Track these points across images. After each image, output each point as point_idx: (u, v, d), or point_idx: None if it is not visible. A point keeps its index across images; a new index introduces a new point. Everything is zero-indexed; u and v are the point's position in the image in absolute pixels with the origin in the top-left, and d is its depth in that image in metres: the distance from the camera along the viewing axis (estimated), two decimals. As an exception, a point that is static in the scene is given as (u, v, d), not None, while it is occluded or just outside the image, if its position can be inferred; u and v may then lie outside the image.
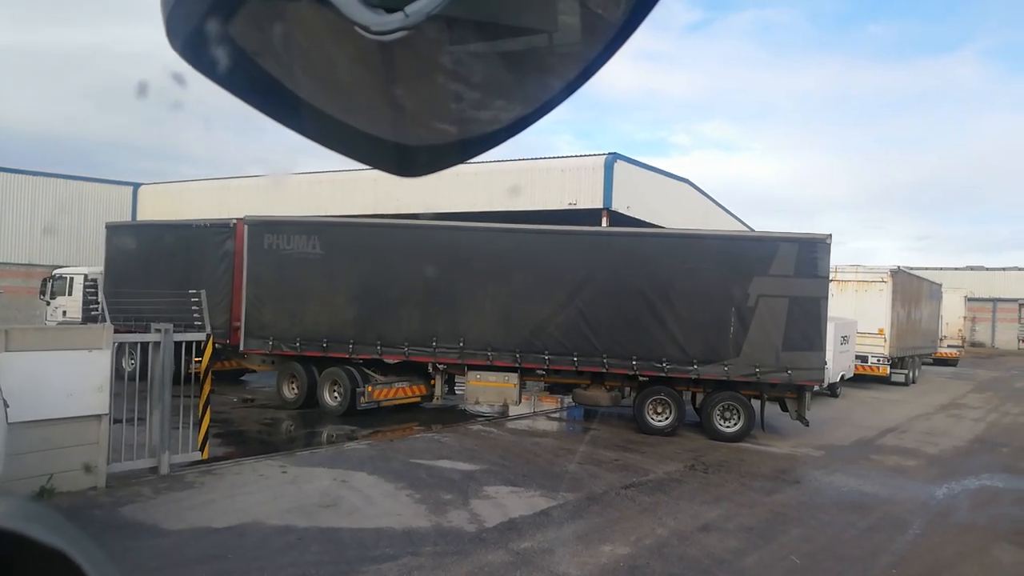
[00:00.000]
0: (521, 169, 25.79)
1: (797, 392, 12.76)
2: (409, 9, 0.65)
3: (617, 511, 8.21)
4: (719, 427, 12.66)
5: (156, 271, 15.56)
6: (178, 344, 9.04)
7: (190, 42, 0.66)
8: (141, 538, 6.52)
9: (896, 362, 23.02)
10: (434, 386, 14.00)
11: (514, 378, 13.12)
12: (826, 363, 12.85)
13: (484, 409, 14.24)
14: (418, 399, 14.25)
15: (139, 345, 9.26)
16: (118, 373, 8.55)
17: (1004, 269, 60.44)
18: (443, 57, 0.72)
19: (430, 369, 13.89)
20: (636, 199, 24.46)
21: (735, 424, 12.67)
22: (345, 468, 9.37)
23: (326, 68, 0.73)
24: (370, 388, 13.27)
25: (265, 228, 14.03)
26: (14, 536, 0.55)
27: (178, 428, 8.92)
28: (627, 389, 13.44)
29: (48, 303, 20.07)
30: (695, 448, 11.93)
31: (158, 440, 8.53)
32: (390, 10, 0.66)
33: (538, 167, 25.65)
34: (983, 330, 55.65)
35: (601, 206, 23.33)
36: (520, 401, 13.58)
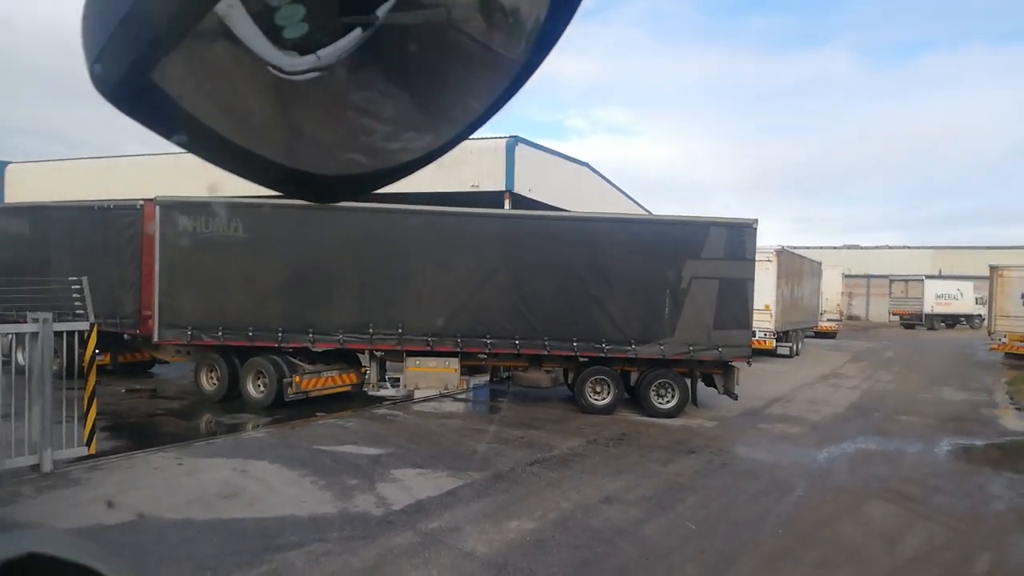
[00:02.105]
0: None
1: (724, 368, 13.39)
2: (321, 53, 0.70)
3: (523, 487, 8.37)
4: (656, 404, 13.09)
5: (53, 257, 14.25)
6: (70, 335, 8.51)
7: (117, 92, 0.67)
8: (23, 540, 6.12)
9: (781, 336, 24.43)
10: (365, 374, 13.63)
11: (455, 363, 12.99)
12: (751, 340, 13.62)
13: (390, 392, 14.10)
14: (348, 388, 13.79)
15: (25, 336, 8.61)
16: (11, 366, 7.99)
17: (877, 248, 65.25)
18: (353, 95, 0.77)
19: (363, 356, 13.54)
20: (537, 182, 24.71)
21: (670, 400, 13.14)
22: (245, 457, 9.11)
23: (245, 107, 0.76)
24: (297, 378, 12.65)
25: (180, 210, 12.90)
26: (45, 559, 0.60)
27: (62, 423, 8.40)
28: (566, 370, 13.68)
29: None
30: (596, 424, 12.28)
31: (39, 436, 8.00)
32: (303, 53, 0.70)
33: (440, 149, 25.46)
34: (859, 304, 59.88)
35: (503, 188, 23.46)
36: (459, 386, 13.48)
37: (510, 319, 12.91)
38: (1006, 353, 25.70)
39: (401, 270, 12.94)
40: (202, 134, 0.73)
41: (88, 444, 8.53)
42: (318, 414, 12.28)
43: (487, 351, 13.16)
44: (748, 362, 13.55)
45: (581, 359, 13.30)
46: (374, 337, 12.87)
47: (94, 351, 8.91)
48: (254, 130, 0.78)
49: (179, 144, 0.73)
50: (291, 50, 0.70)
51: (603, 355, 13.00)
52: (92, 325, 8.93)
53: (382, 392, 13.97)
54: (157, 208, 12.92)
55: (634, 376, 13.52)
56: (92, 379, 8.75)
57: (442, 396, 14.29)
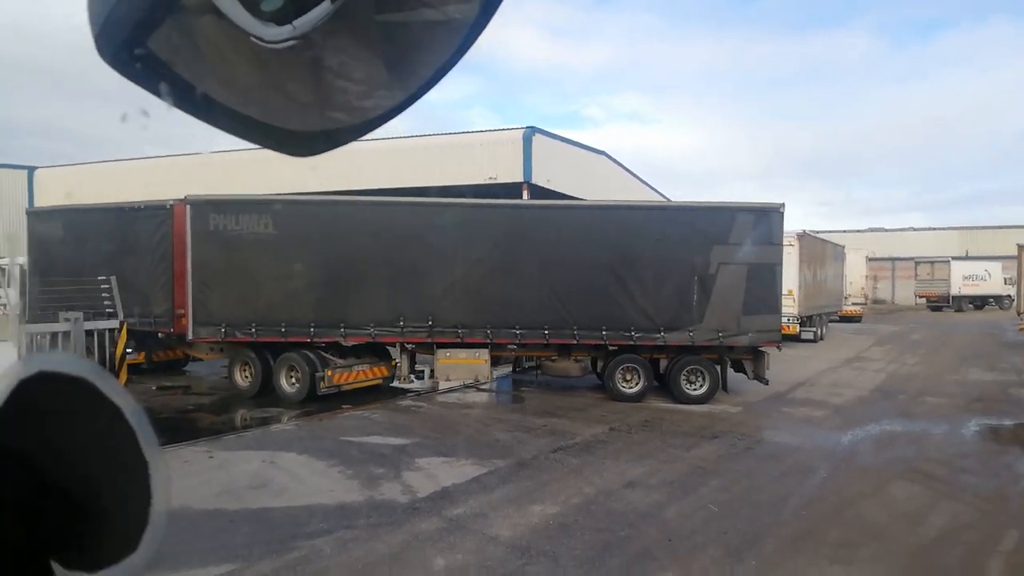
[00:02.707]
0: (441, 144, 25.70)
1: (754, 354, 13.38)
2: (297, 22, 0.80)
3: (546, 474, 8.47)
4: (686, 391, 13.11)
5: (87, 258, 14.32)
6: (101, 334, 8.75)
7: (117, 56, 0.78)
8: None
9: (805, 320, 24.25)
10: (395, 366, 13.74)
11: (485, 354, 13.08)
12: (780, 325, 13.61)
13: (415, 385, 14.23)
14: (379, 381, 13.91)
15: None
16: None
17: (901, 230, 64.35)
18: (328, 60, 0.88)
19: (393, 349, 13.63)
20: (555, 172, 24.75)
21: (701, 387, 13.15)
22: (273, 449, 9.31)
23: (230, 71, 0.87)
24: (330, 372, 12.76)
25: (211, 208, 12.98)
26: (46, 375, 0.69)
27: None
28: (594, 359, 13.74)
29: None
30: (619, 410, 12.34)
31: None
32: (280, 23, 0.80)
33: (458, 142, 25.62)
34: (884, 288, 59.13)
35: (521, 180, 23.52)
36: (490, 377, 13.59)
37: (539, 309, 12.94)
38: (1035, 333, 25.31)
39: (431, 263, 12.97)
40: (194, 95, 0.84)
41: (121, 439, 8.76)
42: (344, 406, 12.47)
43: (517, 342, 13.22)
44: (778, 347, 13.51)
45: (610, 347, 13.31)
46: (405, 330, 12.94)
47: (124, 348, 9.16)
48: (241, 92, 0.90)
49: (174, 104, 0.85)
50: (270, 21, 0.79)
51: (632, 343, 12.99)
52: (122, 323, 9.18)
53: (408, 384, 14.11)
54: (188, 207, 13.02)
55: (663, 363, 13.52)
56: (123, 376, 9.01)
57: (465, 387, 14.42)
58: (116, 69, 0.79)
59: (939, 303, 48.09)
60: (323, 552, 5.93)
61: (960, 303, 47.47)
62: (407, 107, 0.96)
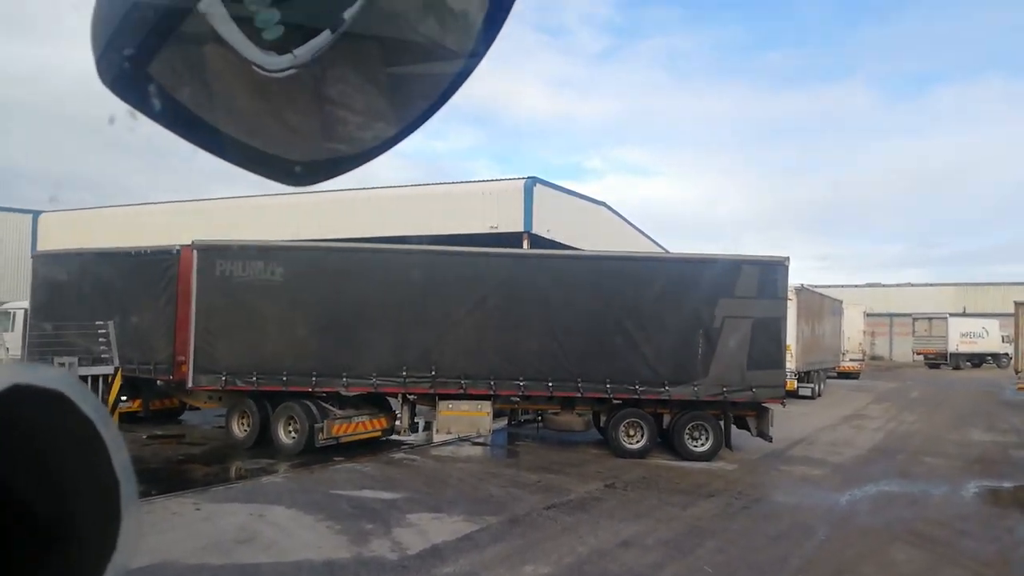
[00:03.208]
0: (445, 193, 25.96)
1: (757, 410, 13.24)
2: (297, 52, 0.82)
3: (539, 532, 8.32)
4: (690, 447, 12.91)
5: (90, 303, 14.10)
6: (96, 379, 8.69)
7: (118, 80, 0.80)
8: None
9: (802, 376, 24.12)
10: (396, 418, 13.50)
11: (487, 406, 12.89)
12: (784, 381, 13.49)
13: (409, 437, 14.04)
14: (379, 433, 13.61)
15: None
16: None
17: (899, 285, 64.55)
18: (328, 89, 0.89)
19: (396, 400, 13.42)
20: (556, 222, 24.96)
21: (704, 443, 12.97)
22: (262, 502, 9.15)
23: (231, 99, 0.88)
24: (329, 423, 12.48)
25: (217, 254, 12.86)
26: (20, 388, 0.68)
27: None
28: (597, 413, 13.59)
29: None
30: (615, 467, 12.18)
31: (61, 481, 8.11)
32: (281, 52, 0.81)
33: (459, 191, 25.88)
34: (882, 344, 59.08)
35: (522, 229, 23.71)
36: (491, 430, 13.38)
37: (543, 360, 12.82)
38: (1034, 392, 25.18)
39: (435, 312, 12.88)
40: (193, 122, 0.85)
41: (109, 489, 8.61)
42: (336, 459, 12.30)
43: (520, 393, 13.09)
44: (783, 403, 13.33)
45: (614, 401, 13.17)
46: (407, 380, 12.75)
47: (118, 396, 9.08)
48: (242, 121, 0.91)
49: (173, 131, 0.86)
50: (270, 50, 0.81)
51: (636, 396, 12.84)
52: (116, 369, 9.12)
53: (406, 437, 13.84)
54: (195, 252, 12.89)
55: (666, 418, 13.34)
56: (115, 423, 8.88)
57: (460, 440, 14.27)
58: (116, 93, 0.80)
59: (937, 360, 47.97)
60: (308, 611, 5.78)
61: (958, 360, 47.33)
62: (404, 138, 0.97)
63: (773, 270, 13.03)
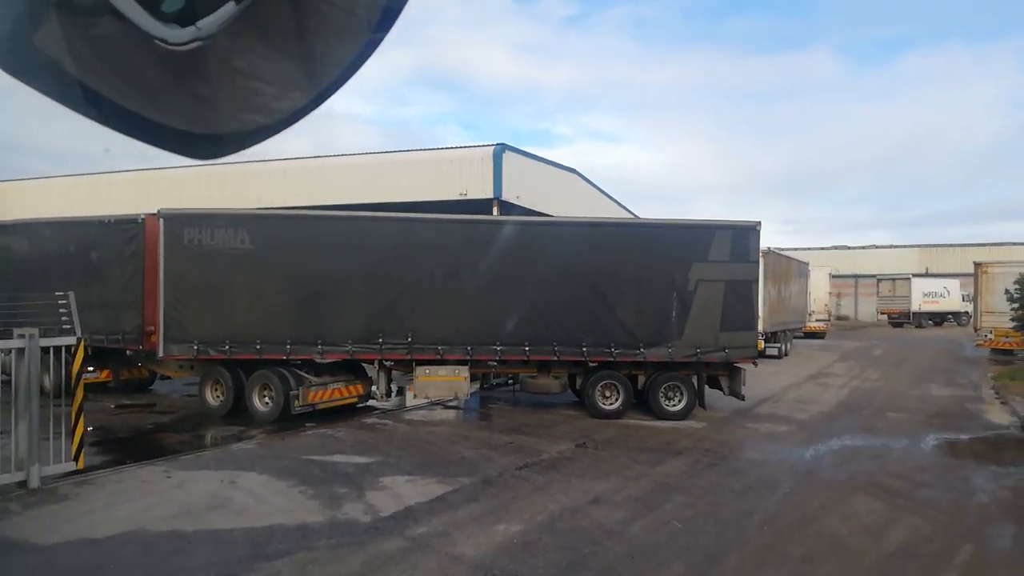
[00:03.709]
0: (413, 160, 25.71)
1: (729, 370, 13.50)
2: (201, 23, 0.80)
3: (511, 492, 8.42)
4: (665, 407, 13.14)
5: (53, 273, 13.84)
6: (59, 351, 8.51)
7: (2, 48, 0.77)
8: (10, 555, 6.15)
9: (770, 336, 24.55)
10: (372, 384, 13.47)
11: (464, 371, 12.91)
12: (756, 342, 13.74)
13: (383, 403, 14.00)
14: (355, 400, 13.58)
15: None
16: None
17: (864, 248, 65.72)
18: (237, 61, 0.87)
19: (372, 366, 13.39)
20: (525, 189, 24.87)
21: (679, 403, 13.21)
22: (233, 469, 9.12)
23: (132, 73, 0.85)
24: (305, 391, 12.42)
25: (185, 222, 12.62)
26: None
27: (48, 439, 8.40)
28: (573, 376, 13.73)
29: None
30: (586, 427, 12.34)
31: (26, 452, 8.00)
32: (184, 25, 0.79)
33: (428, 158, 25.65)
34: (847, 304, 60.27)
35: (491, 196, 23.60)
36: (469, 394, 13.44)
37: (519, 325, 12.86)
38: (992, 349, 25.95)
39: (410, 278, 12.84)
40: (85, 95, 0.82)
41: (76, 459, 8.54)
42: (307, 424, 12.28)
43: (497, 358, 13.17)
44: (754, 363, 13.64)
45: (590, 364, 13.32)
46: (384, 347, 12.73)
47: (81, 367, 8.91)
48: (143, 94, 0.88)
49: (67, 105, 0.82)
50: (173, 23, 0.79)
51: (612, 359, 13.03)
52: (79, 340, 8.93)
53: (383, 403, 13.80)
54: (161, 220, 12.66)
55: (641, 380, 13.55)
56: (79, 394, 8.76)
57: (432, 404, 14.31)
58: (2, 67, 0.77)
59: (900, 319, 49.11)
60: (282, 575, 5.81)
61: (920, 319, 48.53)
62: (318, 105, 0.96)
63: (745, 234, 13.20)
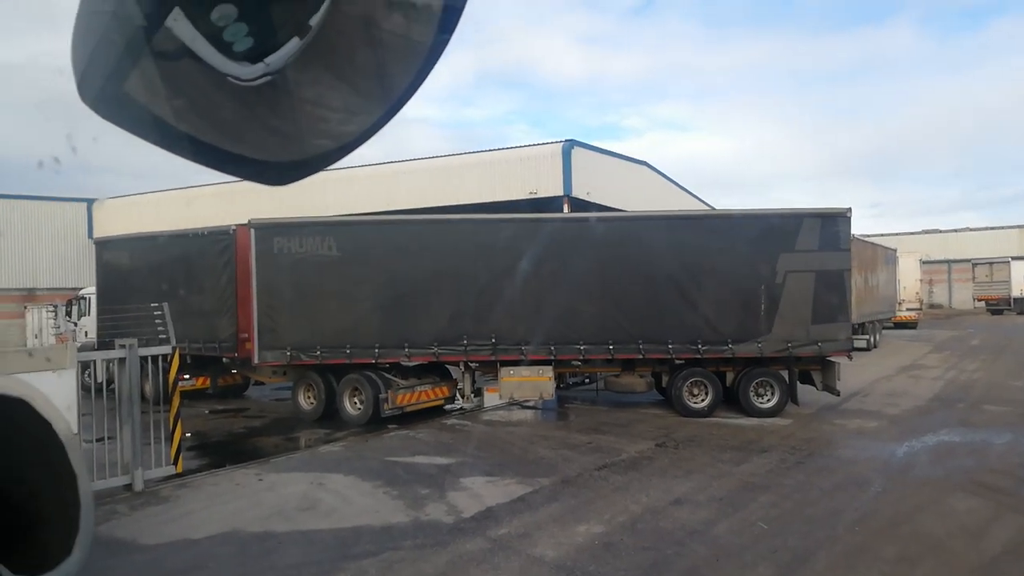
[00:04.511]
0: (482, 161, 25.91)
1: (823, 364, 13.12)
2: (269, 59, 0.86)
3: (591, 492, 8.40)
4: (756, 404, 12.89)
5: (152, 285, 14.52)
6: (156, 360, 9.03)
7: (99, 98, 0.85)
8: (120, 555, 6.54)
9: (857, 328, 23.54)
10: (458, 386, 13.71)
11: (548, 371, 12.95)
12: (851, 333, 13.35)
13: (466, 404, 14.16)
14: (441, 402, 13.80)
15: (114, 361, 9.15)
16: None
17: (956, 231, 62.22)
18: (305, 91, 0.94)
19: (457, 368, 13.58)
20: (596, 184, 24.73)
21: (770, 399, 12.93)
22: (321, 471, 9.44)
23: (213, 111, 0.93)
24: (393, 394, 12.65)
25: (275, 231, 13.01)
26: None
27: (150, 444, 8.90)
28: (658, 374, 13.57)
29: (75, 324, 19.62)
30: (665, 426, 12.19)
31: (130, 457, 8.51)
32: (254, 62, 0.86)
33: (497, 158, 25.80)
34: (940, 291, 57.28)
35: (562, 193, 23.56)
36: (553, 394, 13.43)
37: (603, 324, 12.80)
38: (1104, 335, 24.18)
39: (494, 279, 12.86)
40: (172, 134, 0.90)
41: (175, 463, 9.02)
42: (390, 426, 12.57)
43: (581, 357, 13.13)
44: (849, 356, 13.14)
45: (677, 361, 13.14)
46: (468, 348, 12.86)
47: (176, 374, 9.40)
48: (224, 128, 0.96)
49: (156, 143, 0.90)
50: (243, 61, 0.86)
51: (699, 356, 12.76)
52: (174, 349, 9.43)
53: (467, 404, 13.89)
54: (252, 231, 13.07)
55: (729, 376, 13.24)
56: (176, 401, 9.25)
57: (510, 404, 14.41)
58: (97, 112, 0.86)
59: (999, 306, 46.38)
60: (368, 573, 5.98)
61: (1022, 306, 45.66)
62: (383, 126, 1.02)
63: (834, 222, 12.75)
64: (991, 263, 47.35)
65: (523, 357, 12.85)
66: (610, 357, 13.04)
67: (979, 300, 48.58)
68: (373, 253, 13.07)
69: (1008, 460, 9.82)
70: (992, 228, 60.88)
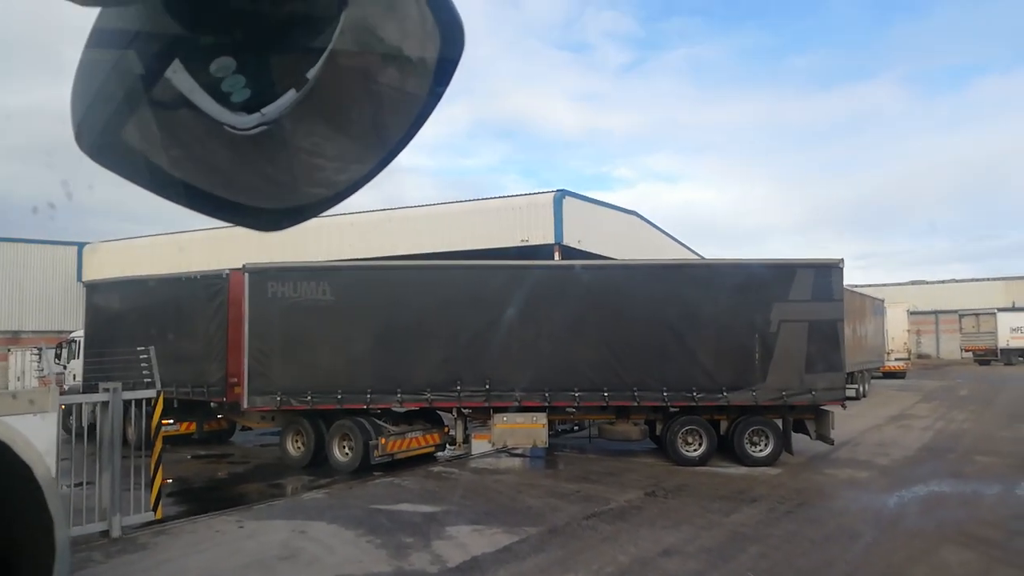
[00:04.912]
0: (474, 210, 26.13)
1: (816, 413, 13.11)
2: (265, 110, 0.88)
3: (579, 542, 8.26)
4: (750, 453, 12.80)
5: (142, 329, 14.31)
6: (140, 404, 8.90)
7: (96, 146, 0.87)
8: (93, 604, 6.35)
9: (846, 377, 23.59)
10: (448, 433, 13.54)
11: (543, 418, 12.84)
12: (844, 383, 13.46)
13: (444, 452, 14.04)
14: (432, 449, 13.62)
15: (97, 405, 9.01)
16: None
17: (943, 282, 62.89)
18: (301, 141, 0.96)
19: (451, 415, 13.42)
20: (587, 233, 24.93)
21: (765, 448, 12.85)
22: (303, 519, 9.25)
23: (207, 158, 0.95)
24: (383, 440, 12.44)
25: (269, 276, 12.93)
26: None
27: (130, 489, 8.72)
28: (652, 422, 13.44)
29: (64, 367, 19.36)
30: (655, 475, 12.06)
31: (109, 502, 8.32)
32: (250, 112, 0.88)
33: (490, 207, 26.02)
34: (928, 342, 57.61)
35: (553, 241, 23.72)
36: (548, 441, 13.23)
37: (598, 371, 12.76)
38: (1091, 386, 24.28)
39: (488, 325, 12.77)
40: (168, 181, 0.92)
41: (154, 510, 8.82)
42: (375, 473, 12.38)
43: (575, 404, 13.03)
44: (843, 405, 13.17)
45: (671, 409, 13.07)
46: (462, 394, 12.73)
47: (160, 418, 9.27)
48: (219, 176, 0.98)
49: (151, 190, 0.92)
50: (240, 111, 0.88)
51: (694, 403, 12.72)
52: (158, 393, 9.31)
53: (459, 452, 13.72)
54: (246, 275, 12.98)
55: (723, 424, 13.15)
56: (158, 446, 9.09)
57: (498, 452, 14.27)
58: (94, 159, 0.87)
59: (987, 356, 46.67)
60: (350, 625, 5.82)
61: (1009, 356, 45.92)
62: (377, 174, 1.04)
63: (827, 272, 12.90)
64: (977, 314, 47.79)
65: (517, 403, 12.76)
66: (605, 404, 12.97)
67: (966, 350, 48.87)
68: (367, 298, 13.01)
69: (998, 512, 9.75)
70: (978, 280, 61.60)
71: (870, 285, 45.60)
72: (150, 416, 9.12)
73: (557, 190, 24.61)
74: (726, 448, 13.02)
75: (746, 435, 12.84)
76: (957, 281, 62.58)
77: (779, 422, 13.01)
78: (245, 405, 13.03)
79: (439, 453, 13.95)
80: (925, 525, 9.09)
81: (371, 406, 12.80)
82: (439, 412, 13.74)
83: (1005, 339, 46.10)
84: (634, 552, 7.80)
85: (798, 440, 13.33)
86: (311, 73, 0.89)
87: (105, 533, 8.21)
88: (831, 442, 13.18)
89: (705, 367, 12.72)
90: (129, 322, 15.26)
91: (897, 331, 34.13)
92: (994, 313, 46.96)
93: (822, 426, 13.10)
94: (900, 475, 12.15)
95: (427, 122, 1.01)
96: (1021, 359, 46.16)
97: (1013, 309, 49.26)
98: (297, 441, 13.35)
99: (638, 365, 12.78)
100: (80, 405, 9.48)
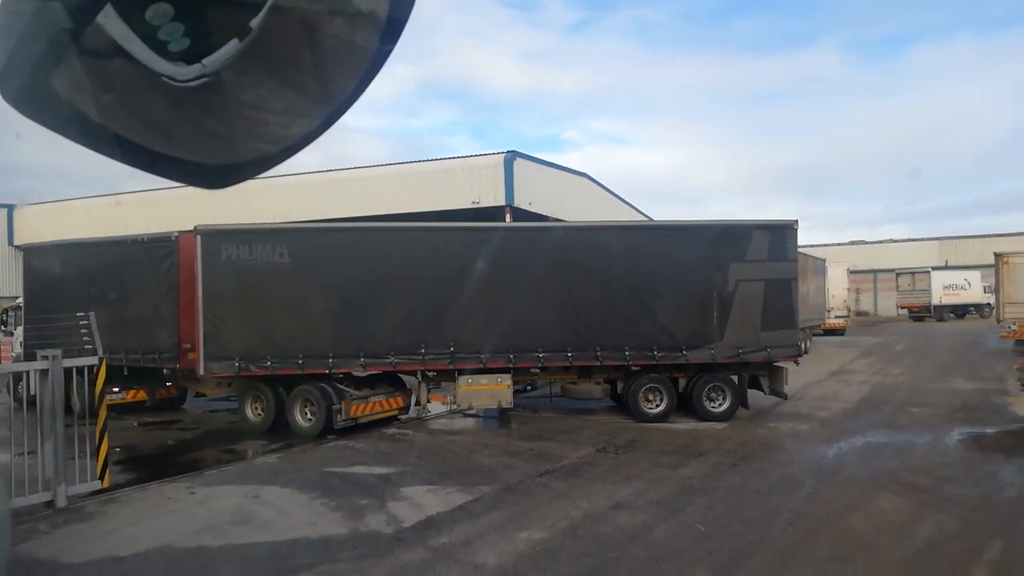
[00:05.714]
0: (424, 171, 25.82)
1: (770, 369, 13.56)
2: (206, 60, 0.84)
3: (533, 499, 8.41)
4: (709, 409, 13.17)
5: (85, 294, 13.61)
6: (81, 371, 8.62)
7: (21, 95, 0.80)
8: (39, 575, 6.23)
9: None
10: (412, 396, 13.49)
11: (507, 379, 12.91)
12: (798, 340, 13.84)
13: (422, 413, 13.93)
14: (396, 412, 13.55)
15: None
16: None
17: (881, 242, 65.03)
18: (244, 94, 0.91)
19: (415, 377, 13.31)
20: (537, 195, 24.89)
21: (722, 404, 13.23)
22: (256, 483, 9.19)
23: (144, 110, 0.89)
24: (346, 404, 12.33)
25: (223, 238, 12.51)
26: None
27: (74, 458, 8.50)
28: (613, 381, 13.66)
29: (11, 335, 18.41)
30: (607, 432, 12.31)
31: (52, 472, 8.11)
32: (190, 62, 0.83)
33: (439, 168, 25.74)
34: (866, 299, 59.67)
35: (503, 203, 23.64)
36: (511, 402, 13.24)
37: (561, 332, 12.91)
38: (1016, 340, 25.51)
39: (451, 288, 12.70)
40: (101, 134, 0.87)
41: (101, 478, 8.64)
42: (328, 436, 12.33)
43: (539, 365, 13.17)
44: (796, 361, 13.65)
45: (633, 368, 13.32)
46: (426, 357, 12.70)
47: (103, 386, 9.02)
48: (155, 129, 0.92)
49: (82, 143, 0.87)
50: (179, 61, 0.83)
51: (655, 362, 13.02)
52: (100, 360, 9.04)
53: (424, 414, 13.63)
54: (198, 237, 12.52)
55: (682, 382, 13.51)
56: (103, 414, 8.87)
57: (452, 413, 14.34)
58: (18, 109, 0.81)
59: (921, 313, 48.58)
60: (306, 587, 5.84)
61: (942, 313, 47.94)
62: (326, 129, 1.00)
63: (783, 233, 13.25)
64: (913, 273, 49.59)
65: (482, 365, 12.82)
66: (569, 364, 13.16)
67: (902, 308, 50.77)
68: (327, 261, 12.78)
69: (929, 460, 10.26)
70: (914, 240, 63.83)
71: (812, 245, 46.71)
72: (93, 384, 8.87)
73: (507, 151, 24.45)
74: (685, 405, 13.39)
75: (704, 392, 13.23)
76: (895, 241, 64.75)
77: (735, 378, 13.39)
78: (202, 372, 12.69)
79: (402, 416, 13.94)
80: (862, 474, 9.52)
81: (333, 371, 12.66)
82: (401, 375, 13.69)
83: (938, 296, 48.01)
84: (586, 507, 7.98)
85: (775, 395, 13.82)
86: (254, 22, 0.84)
87: (50, 503, 8.02)
88: (785, 397, 13.72)
89: (665, 326, 13.01)
90: (71, 287, 14.60)
91: (838, 289, 35.20)
92: (928, 272, 48.80)
93: (776, 382, 13.59)
94: (839, 427, 12.66)
95: (374, 81, 0.97)
96: (952, 315, 48.30)
97: (946, 268, 51.35)
98: (256, 407, 13.14)
99: (601, 326, 12.98)
100: (28, 373, 9.11)
